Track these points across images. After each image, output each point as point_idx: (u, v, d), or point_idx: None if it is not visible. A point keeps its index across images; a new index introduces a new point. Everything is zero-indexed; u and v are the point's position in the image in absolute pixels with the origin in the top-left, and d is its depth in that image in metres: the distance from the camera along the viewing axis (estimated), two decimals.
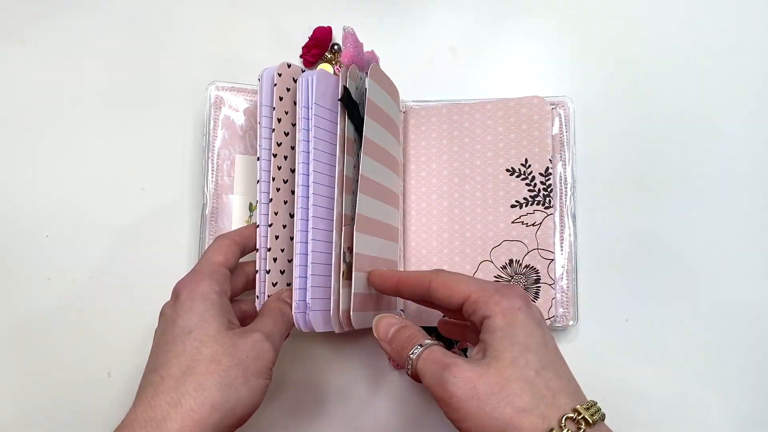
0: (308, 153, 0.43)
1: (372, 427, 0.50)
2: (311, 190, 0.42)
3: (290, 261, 0.44)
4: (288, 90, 0.45)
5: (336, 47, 0.54)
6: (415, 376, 0.36)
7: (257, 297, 0.44)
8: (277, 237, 0.44)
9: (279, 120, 0.44)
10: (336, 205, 0.42)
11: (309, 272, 0.42)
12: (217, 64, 0.54)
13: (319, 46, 0.53)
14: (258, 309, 0.43)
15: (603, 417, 0.33)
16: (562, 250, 0.49)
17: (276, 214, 0.44)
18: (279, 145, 0.44)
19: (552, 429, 0.31)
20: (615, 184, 0.52)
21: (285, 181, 0.45)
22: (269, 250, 0.43)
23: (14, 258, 0.52)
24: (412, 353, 0.36)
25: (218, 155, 0.50)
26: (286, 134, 0.45)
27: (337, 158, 0.42)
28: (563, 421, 0.32)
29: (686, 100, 0.53)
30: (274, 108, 0.44)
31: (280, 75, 0.44)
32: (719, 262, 0.51)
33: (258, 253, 0.44)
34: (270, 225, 0.43)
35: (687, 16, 0.54)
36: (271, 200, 0.44)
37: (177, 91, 0.54)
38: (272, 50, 0.54)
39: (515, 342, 0.33)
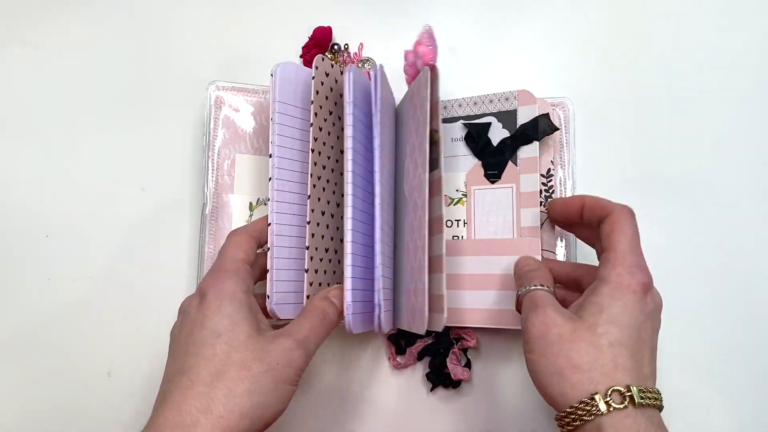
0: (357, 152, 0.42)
1: (372, 427, 0.50)
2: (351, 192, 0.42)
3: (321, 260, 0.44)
4: (321, 84, 0.44)
5: (336, 47, 0.54)
6: (518, 307, 0.40)
7: (267, 297, 0.42)
8: (313, 235, 0.43)
9: (315, 114, 0.44)
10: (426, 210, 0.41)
11: (379, 273, 0.41)
12: (217, 65, 0.54)
13: (319, 46, 0.53)
14: (268, 310, 0.42)
15: (659, 407, 0.35)
16: (564, 250, 0.49)
17: (312, 211, 0.43)
18: (316, 140, 0.44)
19: (596, 393, 0.33)
20: (614, 184, 0.52)
21: (319, 178, 0.44)
22: (307, 248, 0.42)
23: (14, 258, 0.52)
24: (523, 289, 0.40)
25: (218, 154, 0.50)
26: (320, 129, 0.44)
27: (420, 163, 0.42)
28: (610, 392, 0.33)
29: (686, 101, 0.53)
30: (311, 101, 0.43)
31: (317, 68, 0.44)
32: (719, 262, 0.51)
33: (270, 252, 0.42)
34: (308, 222, 0.42)
35: (687, 16, 0.54)
36: (309, 197, 0.43)
37: (177, 91, 0.54)
38: (272, 50, 0.54)
39: (604, 311, 0.36)
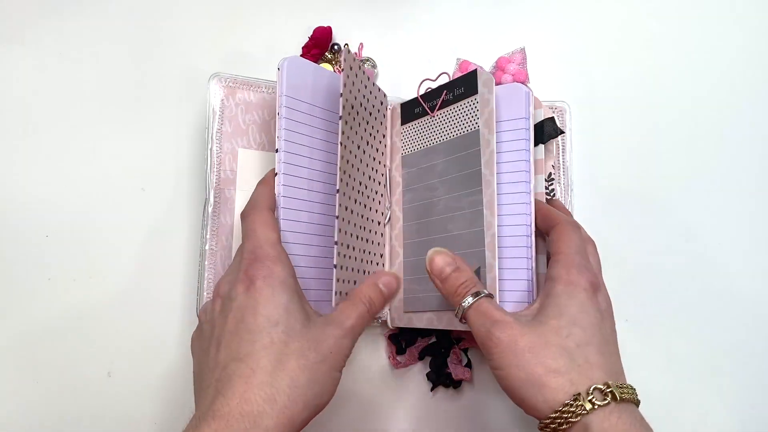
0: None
1: (374, 426, 0.50)
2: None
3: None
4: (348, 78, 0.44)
5: (336, 47, 0.54)
6: (463, 320, 0.39)
7: None
8: (340, 230, 0.42)
9: (343, 107, 0.43)
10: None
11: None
12: (217, 64, 0.54)
13: (319, 46, 0.53)
14: None
15: (636, 401, 0.35)
16: None
17: (345, 208, 0.43)
18: (343, 133, 0.43)
19: (579, 394, 0.34)
20: (613, 186, 0.52)
21: (344, 172, 0.44)
22: (336, 243, 0.42)
23: (14, 258, 0.52)
24: (465, 302, 0.38)
25: (221, 149, 0.50)
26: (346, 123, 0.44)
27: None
28: (591, 390, 0.34)
29: (684, 103, 0.53)
30: (341, 94, 0.43)
31: (345, 60, 0.43)
32: (718, 262, 0.51)
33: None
34: (337, 217, 0.42)
35: (685, 20, 0.54)
36: (338, 191, 0.42)
37: (177, 90, 0.54)
38: (272, 50, 0.54)
39: (564, 313, 0.36)
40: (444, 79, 0.47)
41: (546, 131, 0.47)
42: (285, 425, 0.33)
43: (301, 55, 0.54)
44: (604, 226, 0.51)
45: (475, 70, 0.45)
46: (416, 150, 0.49)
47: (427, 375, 0.49)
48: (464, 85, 0.46)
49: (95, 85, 0.54)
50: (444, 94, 0.47)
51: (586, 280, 0.38)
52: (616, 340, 0.39)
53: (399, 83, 0.53)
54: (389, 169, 0.51)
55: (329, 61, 0.54)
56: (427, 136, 0.48)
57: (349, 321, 0.38)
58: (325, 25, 0.54)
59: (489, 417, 0.49)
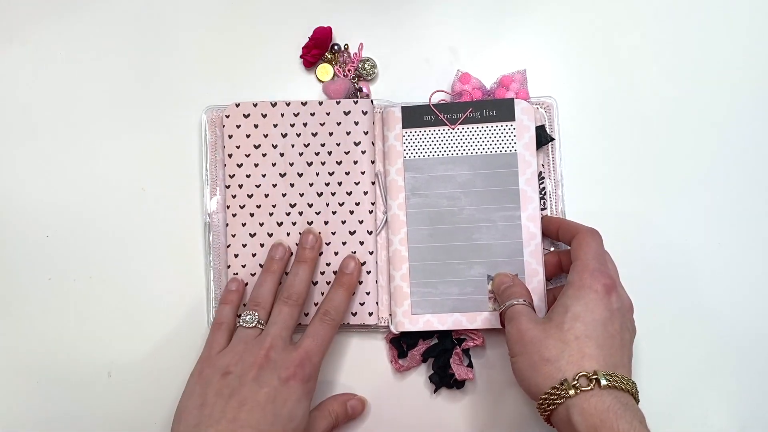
0: None
1: (373, 426, 0.50)
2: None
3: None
4: (238, 127, 0.51)
5: (336, 47, 0.54)
6: (502, 322, 0.45)
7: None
8: None
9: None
10: None
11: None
12: (217, 64, 0.54)
13: (319, 47, 0.53)
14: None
15: (628, 390, 0.38)
16: (553, 248, 0.50)
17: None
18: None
19: (566, 380, 0.38)
20: (603, 183, 0.52)
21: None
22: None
23: (14, 258, 0.52)
24: (503, 306, 0.44)
25: (216, 169, 0.52)
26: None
27: None
28: (577, 377, 0.38)
29: (673, 99, 0.53)
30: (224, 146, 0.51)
31: (228, 116, 0.51)
32: (717, 261, 0.51)
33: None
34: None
35: (677, 18, 0.54)
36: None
37: (177, 90, 0.54)
38: (272, 50, 0.54)
39: (569, 311, 0.40)
40: (439, 97, 0.51)
41: (537, 139, 0.50)
42: None
43: (301, 56, 0.54)
44: (595, 220, 0.51)
45: (512, 99, 0.50)
46: (426, 156, 0.50)
47: (430, 377, 0.49)
48: (496, 109, 0.50)
49: (96, 85, 0.54)
50: (470, 111, 0.50)
51: (599, 282, 0.41)
52: (627, 340, 0.42)
53: (398, 83, 0.53)
54: (385, 172, 0.51)
55: (329, 62, 0.54)
56: (443, 145, 0.50)
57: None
58: (325, 26, 0.54)
59: (494, 416, 0.49)
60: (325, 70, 0.54)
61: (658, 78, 0.53)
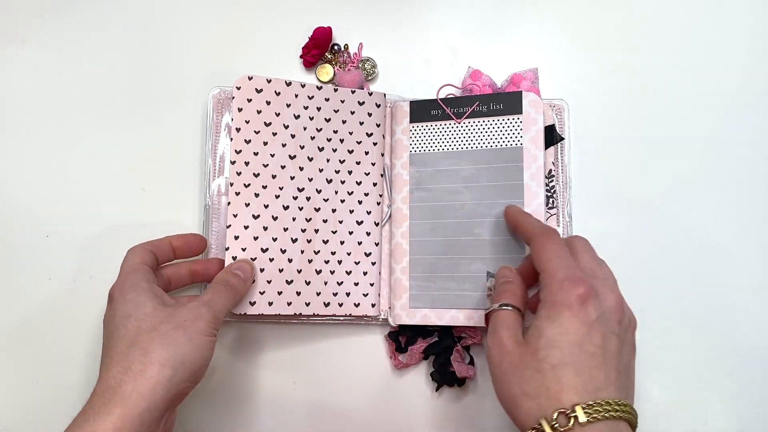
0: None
1: (373, 427, 0.50)
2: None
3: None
4: (249, 101, 0.49)
5: (336, 47, 0.54)
6: (487, 321, 0.42)
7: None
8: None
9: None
10: None
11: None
12: (217, 64, 0.54)
13: (318, 47, 0.53)
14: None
15: (617, 417, 0.34)
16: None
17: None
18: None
19: (543, 418, 0.35)
20: (610, 184, 0.52)
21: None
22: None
23: (14, 258, 0.52)
24: (493, 306, 0.41)
25: (220, 157, 0.51)
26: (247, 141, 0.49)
27: None
28: (555, 415, 0.34)
29: (683, 101, 0.53)
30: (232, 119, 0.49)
31: (239, 88, 0.48)
32: (718, 261, 0.51)
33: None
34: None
35: (685, 21, 0.54)
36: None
37: (177, 89, 0.54)
38: (272, 50, 0.54)
39: (542, 335, 0.37)
40: (447, 91, 0.50)
41: (546, 138, 0.49)
42: (145, 386, 0.37)
43: (301, 56, 0.54)
44: (602, 224, 0.51)
45: (521, 91, 0.49)
46: (431, 151, 0.50)
47: (431, 375, 0.49)
48: (503, 102, 0.49)
49: (95, 84, 0.54)
50: (476, 105, 0.49)
51: (572, 294, 0.37)
52: (610, 347, 0.37)
53: (398, 83, 0.53)
54: (391, 166, 0.51)
55: (329, 62, 0.54)
56: (448, 139, 0.50)
57: (205, 296, 0.43)
58: (325, 26, 0.54)
59: (497, 413, 0.49)
60: (325, 71, 0.54)
61: (671, 80, 0.53)
